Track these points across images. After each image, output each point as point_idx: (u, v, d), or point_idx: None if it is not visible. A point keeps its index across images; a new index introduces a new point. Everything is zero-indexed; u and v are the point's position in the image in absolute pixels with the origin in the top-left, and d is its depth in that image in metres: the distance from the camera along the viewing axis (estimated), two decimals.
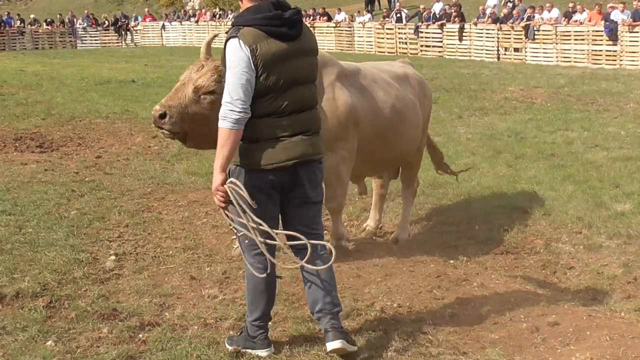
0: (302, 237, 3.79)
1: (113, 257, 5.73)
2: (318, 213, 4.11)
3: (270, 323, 4.23)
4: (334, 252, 3.82)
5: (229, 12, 37.73)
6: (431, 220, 6.70)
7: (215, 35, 5.27)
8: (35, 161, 9.30)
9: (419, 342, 4.30)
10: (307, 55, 3.90)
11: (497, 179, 7.99)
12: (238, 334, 4.24)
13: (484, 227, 6.45)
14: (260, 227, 3.71)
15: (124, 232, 6.45)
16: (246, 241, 3.91)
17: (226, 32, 3.90)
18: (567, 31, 22.67)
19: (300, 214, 4.00)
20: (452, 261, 5.75)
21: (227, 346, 4.16)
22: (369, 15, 31.49)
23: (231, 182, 3.75)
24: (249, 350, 4.09)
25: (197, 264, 5.66)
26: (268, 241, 3.78)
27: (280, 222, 4.07)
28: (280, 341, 4.31)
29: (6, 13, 39.91)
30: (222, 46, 3.83)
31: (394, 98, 5.75)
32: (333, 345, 3.96)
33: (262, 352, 4.09)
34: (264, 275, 3.90)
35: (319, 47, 4.10)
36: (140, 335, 4.39)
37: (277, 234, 3.80)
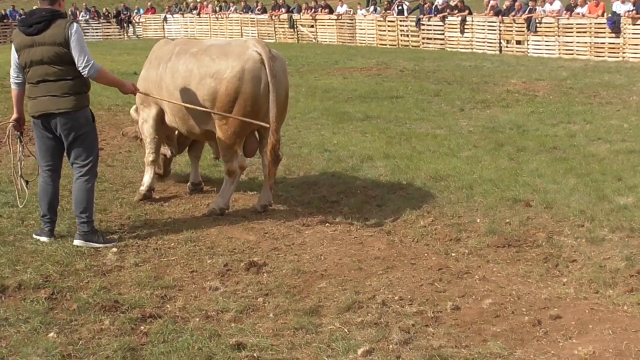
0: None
1: (115, 249, 5.74)
2: (77, 152, 5.83)
3: (56, 221, 6.03)
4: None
5: (231, 4, 37.66)
6: (432, 213, 6.69)
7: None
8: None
9: (420, 335, 4.30)
10: (46, 45, 5.64)
11: (499, 172, 7.97)
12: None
13: (485, 220, 6.44)
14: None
15: (126, 224, 6.45)
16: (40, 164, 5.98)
17: None
18: (569, 24, 22.59)
19: (68, 150, 5.87)
20: (453, 254, 5.75)
21: (34, 236, 5.93)
22: (372, 7, 31.43)
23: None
24: (37, 237, 5.90)
25: (198, 256, 5.67)
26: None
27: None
28: (281, 333, 4.32)
29: (11, 6, 40.04)
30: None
31: (171, 72, 6.67)
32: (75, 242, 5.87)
33: (44, 238, 5.88)
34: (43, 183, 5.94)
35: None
36: (142, 327, 4.40)
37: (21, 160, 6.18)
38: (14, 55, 5.81)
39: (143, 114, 7.05)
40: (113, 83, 6.13)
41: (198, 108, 6.45)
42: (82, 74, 5.70)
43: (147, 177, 7.20)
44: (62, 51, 5.65)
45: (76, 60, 5.65)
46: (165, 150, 7.55)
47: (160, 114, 6.92)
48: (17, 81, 5.89)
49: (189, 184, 7.64)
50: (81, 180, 5.88)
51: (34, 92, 5.77)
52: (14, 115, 6.05)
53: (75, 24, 5.74)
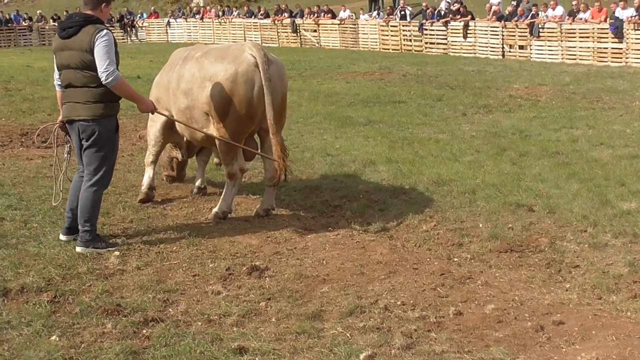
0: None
1: (117, 253, 5.74)
2: (91, 159, 5.82)
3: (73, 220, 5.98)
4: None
5: (234, 9, 37.71)
6: (435, 218, 6.69)
7: None
8: (40, 156, 9.30)
9: (422, 340, 4.29)
10: (74, 50, 5.66)
11: (501, 177, 7.97)
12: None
13: (488, 225, 6.43)
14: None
15: (128, 227, 6.46)
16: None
17: None
18: (572, 29, 22.59)
19: (84, 156, 5.88)
20: (456, 259, 5.74)
21: (62, 237, 6.01)
22: (375, 12, 31.51)
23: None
24: (61, 236, 6.02)
25: (200, 260, 5.67)
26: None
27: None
28: (283, 338, 4.32)
29: (15, 11, 40.26)
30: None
31: (175, 77, 6.76)
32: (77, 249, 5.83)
33: (62, 237, 6.02)
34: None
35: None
36: (144, 331, 4.40)
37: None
38: (54, 57, 5.88)
39: (153, 116, 7.09)
40: (132, 97, 5.88)
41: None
42: (101, 79, 5.58)
43: (146, 177, 7.31)
44: (87, 58, 5.62)
45: (97, 65, 5.57)
46: (177, 153, 7.58)
47: (169, 119, 6.95)
48: (58, 82, 5.94)
49: (194, 187, 7.67)
50: (90, 189, 5.83)
51: (63, 97, 5.87)
52: (61, 117, 6.05)
53: (105, 31, 5.63)
